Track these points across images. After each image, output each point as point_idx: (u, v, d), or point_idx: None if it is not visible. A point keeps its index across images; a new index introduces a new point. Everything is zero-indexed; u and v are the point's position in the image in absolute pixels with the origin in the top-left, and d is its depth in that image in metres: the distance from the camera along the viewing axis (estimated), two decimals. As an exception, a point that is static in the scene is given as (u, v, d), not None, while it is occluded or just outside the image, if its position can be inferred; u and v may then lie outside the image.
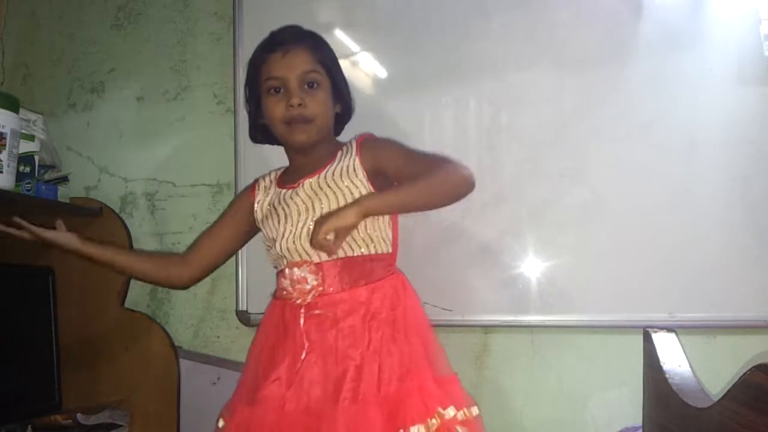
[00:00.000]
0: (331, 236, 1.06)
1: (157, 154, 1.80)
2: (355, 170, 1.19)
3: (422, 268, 1.45)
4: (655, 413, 0.96)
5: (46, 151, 1.67)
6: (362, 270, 1.16)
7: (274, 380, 1.11)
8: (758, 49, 1.39)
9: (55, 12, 1.93)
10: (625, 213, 1.42)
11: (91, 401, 1.63)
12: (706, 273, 1.37)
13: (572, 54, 1.48)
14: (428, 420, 1.03)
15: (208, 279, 1.71)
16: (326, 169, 1.20)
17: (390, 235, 1.22)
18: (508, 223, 1.49)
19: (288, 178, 1.27)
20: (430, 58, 1.56)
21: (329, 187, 1.18)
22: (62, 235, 1.24)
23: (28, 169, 1.54)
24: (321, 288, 1.14)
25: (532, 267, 1.47)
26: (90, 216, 1.71)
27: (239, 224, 1.31)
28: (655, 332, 0.96)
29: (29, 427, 1.51)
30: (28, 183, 1.53)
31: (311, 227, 1.13)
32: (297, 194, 1.20)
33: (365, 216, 1.11)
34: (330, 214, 1.09)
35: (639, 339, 1.01)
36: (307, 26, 1.29)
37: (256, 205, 1.28)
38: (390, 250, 1.21)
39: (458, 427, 1.06)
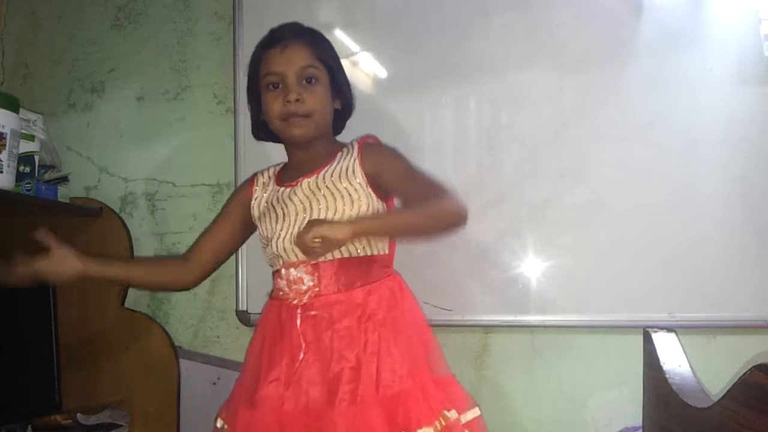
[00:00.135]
0: (317, 242, 1.04)
1: (157, 154, 1.79)
2: (354, 172, 1.18)
3: (422, 269, 1.45)
4: (655, 413, 0.96)
5: (46, 151, 1.67)
6: (359, 271, 1.15)
7: (272, 381, 1.11)
8: (758, 49, 1.39)
9: (55, 12, 1.93)
10: (625, 213, 1.42)
11: (91, 401, 1.63)
12: (706, 273, 1.37)
13: (572, 54, 1.48)
14: (435, 422, 1.04)
15: (207, 279, 1.72)
16: (325, 169, 1.20)
17: None
18: (508, 223, 1.49)
19: (287, 175, 1.26)
20: (430, 58, 1.56)
21: (327, 188, 1.17)
22: (62, 262, 1.14)
23: (28, 169, 1.54)
24: (317, 289, 1.14)
25: (532, 267, 1.47)
26: (90, 216, 1.70)
27: (238, 221, 1.30)
28: (655, 332, 0.96)
29: (29, 427, 1.50)
30: (28, 183, 1.53)
31: None
32: (295, 194, 1.20)
33: (358, 236, 1.10)
34: (325, 222, 1.09)
35: (639, 339, 1.01)
36: (307, 26, 1.29)
37: (253, 201, 1.28)
38: (387, 252, 1.21)
39: (466, 431, 1.07)
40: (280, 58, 1.19)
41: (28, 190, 1.53)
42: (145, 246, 1.76)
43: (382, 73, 1.61)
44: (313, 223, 1.06)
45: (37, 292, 1.60)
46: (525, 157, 1.50)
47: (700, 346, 1.38)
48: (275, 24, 1.28)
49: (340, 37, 1.61)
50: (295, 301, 1.14)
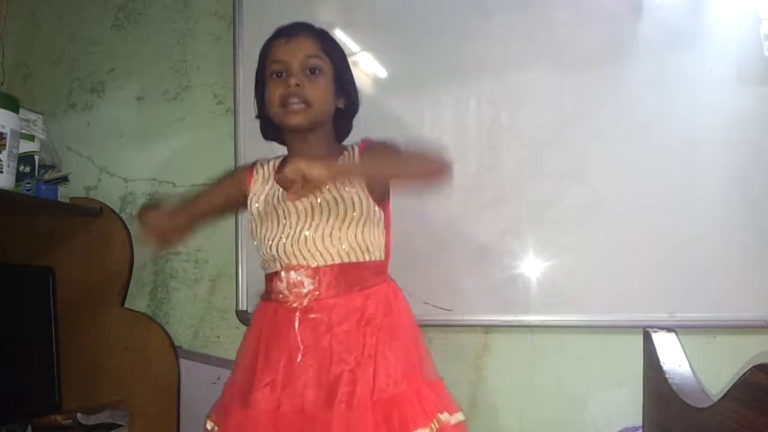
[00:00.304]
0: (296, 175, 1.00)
1: (157, 154, 1.80)
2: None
3: (423, 269, 1.45)
4: (655, 413, 0.96)
5: (46, 151, 1.67)
6: (357, 276, 1.16)
7: (267, 383, 1.11)
8: (758, 49, 1.39)
9: (55, 12, 1.93)
10: (625, 213, 1.42)
11: (91, 401, 1.63)
12: (706, 273, 1.37)
13: (572, 54, 1.48)
14: (429, 424, 1.05)
15: (207, 279, 1.73)
16: None
17: (383, 243, 1.21)
18: (508, 223, 1.49)
19: None
20: (430, 58, 1.56)
21: (330, 193, 1.17)
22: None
23: (28, 169, 1.54)
24: (317, 292, 1.13)
25: (532, 267, 1.47)
26: (90, 216, 1.70)
27: (227, 198, 1.30)
28: (655, 332, 0.96)
29: (29, 427, 1.51)
30: (28, 183, 1.53)
31: (308, 234, 1.14)
32: None
33: (335, 175, 1.08)
34: (303, 162, 1.02)
35: (639, 339, 1.00)
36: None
37: (252, 194, 1.26)
38: (383, 258, 1.21)
39: None
40: (286, 48, 1.20)
41: (28, 190, 1.53)
42: (145, 246, 1.76)
43: (383, 73, 1.61)
44: (294, 160, 1.03)
45: (37, 292, 1.60)
46: (525, 157, 1.49)
47: (700, 346, 1.38)
48: (275, 24, 1.27)
49: (340, 37, 1.60)
50: (294, 304, 1.14)
